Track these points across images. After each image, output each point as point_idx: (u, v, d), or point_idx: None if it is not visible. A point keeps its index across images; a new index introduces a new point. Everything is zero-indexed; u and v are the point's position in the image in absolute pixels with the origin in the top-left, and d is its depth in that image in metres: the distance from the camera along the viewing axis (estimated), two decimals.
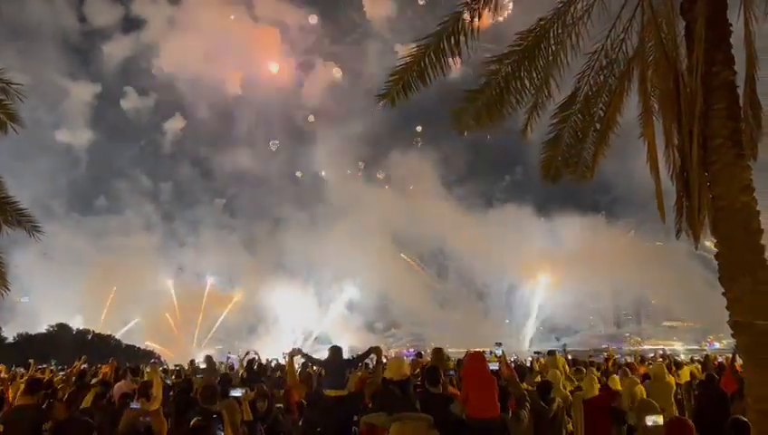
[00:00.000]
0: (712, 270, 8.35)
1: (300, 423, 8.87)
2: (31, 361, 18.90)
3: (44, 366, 19.19)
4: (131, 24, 62.68)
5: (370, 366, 9.85)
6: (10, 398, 9.48)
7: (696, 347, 36.73)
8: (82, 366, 14.76)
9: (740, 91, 8.17)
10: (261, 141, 64.33)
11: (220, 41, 63.60)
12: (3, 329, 51.23)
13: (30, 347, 40.43)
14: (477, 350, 8.45)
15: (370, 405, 7.51)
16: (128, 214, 61.36)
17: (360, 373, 8.95)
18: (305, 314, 55.95)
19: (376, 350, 9.32)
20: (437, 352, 9.60)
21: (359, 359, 10.04)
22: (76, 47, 62.67)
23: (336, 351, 9.46)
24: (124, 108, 66.06)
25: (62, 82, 60.42)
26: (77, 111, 61.80)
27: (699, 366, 16.38)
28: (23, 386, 9.76)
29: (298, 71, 64.41)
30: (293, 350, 10.04)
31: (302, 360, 9.44)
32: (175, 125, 66.00)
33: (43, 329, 51.43)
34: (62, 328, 52.45)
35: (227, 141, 63.64)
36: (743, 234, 7.88)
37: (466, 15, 8.98)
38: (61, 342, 46.18)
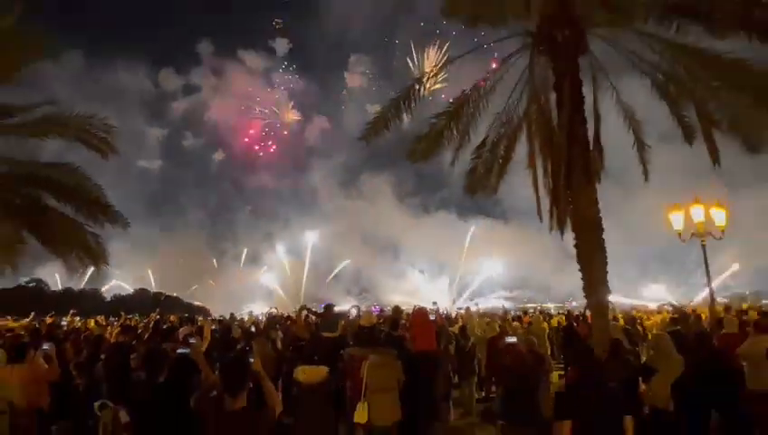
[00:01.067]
0: (571, 254, 8.72)
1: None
2: (122, 313, 19.28)
3: (131, 316, 19.49)
4: (190, 88, 65.69)
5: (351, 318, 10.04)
6: (109, 338, 9.73)
7: (561, 305, 37.46)
8: (156, 317, 15.15)
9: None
10: (276, 168, 66.22)
11: (248, 100, 66.27)
12: (102, 291, 51.60)
13: (121, 304, 40.51)
14: (421, 306, 8.70)
15: (351, 342, 7.70)
16: (186, 215, 63.06)
17: (344, 322, 9.18)
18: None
19: (356, 308, 9.70)
20: (396, 308, 9.88)
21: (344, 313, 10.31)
22: (152, 103, 64.89)
23: (329, 306, 9.88)
24: (184, 145, 68.01)
25: (142, 127, 62.63)
26: (152, 147, 64.46)
27: (563, 317, 16.51)
28: (117, 329, 9.94)
29: (301, 120, 67.02)
30: (301, 306, 10.32)
31: (305, 312, 9.64)
32: (218, 156, 67.92)
33: (129, 292, 51.85)
34: (143, 291, 53.29)
35: (253, 168, 66.52)
36: (589, 231, 8.30)
37: (416, 87, 9.27)
38: (142, 300, 46.65)
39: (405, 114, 9.23)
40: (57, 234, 10.28)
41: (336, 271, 59.19)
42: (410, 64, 63.44)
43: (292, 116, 69.13)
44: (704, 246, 11.96)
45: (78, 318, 18.80)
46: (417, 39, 63.10)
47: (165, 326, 11.12)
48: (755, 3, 7.17)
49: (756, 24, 7.23)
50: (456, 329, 10.44)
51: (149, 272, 58.19)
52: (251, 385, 3.15)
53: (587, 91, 8.51)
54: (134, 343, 8.49)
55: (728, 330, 8.57)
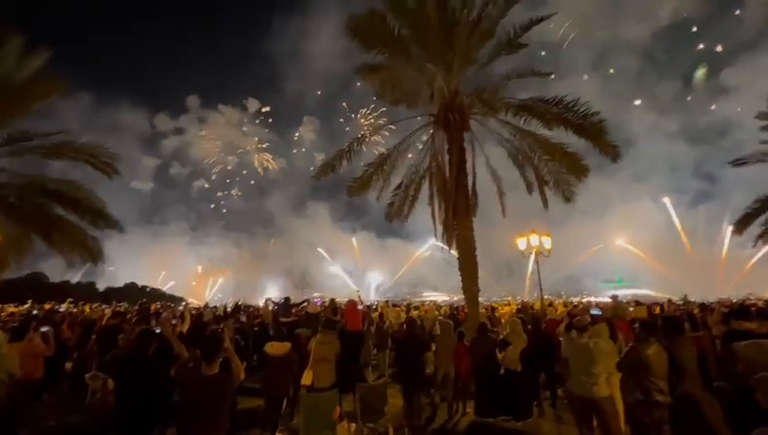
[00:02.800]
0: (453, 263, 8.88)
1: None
2: (114, 301, 17.26)
3: (121, 304, 17.46)
4: (178, 130, 61.60)
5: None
6: (102, 322, 8.71)
7: (448, 298, 38.01)
8: (143, 305, 13.75)
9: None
10: (240, 194, 63.75)
11: (222, 141, 63.19)
12: (96, 283, 45.59)
13: (112, 294, 36.04)
14: (352, 298, 8.51)
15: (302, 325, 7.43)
16: (171, 226, 57.99)
17: (295, 310, 8.80)
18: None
19: (307, 301, 9.41)
20: (332, 300, 9.64)
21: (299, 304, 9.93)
22: (148, 138, 59.88)
23: (287, 299, 9.50)
24: (172, 173, 63.02)
25: (138, 156, 57.14)
26: (145, 173, 58.50)
27: (449, 307, 16.05)
28: (108, 314, 9.00)
29: (271, 164, 65.26)
30: (267, 299, 9.79)
31: (270, 303, 9.13)
32: (199, 184, 63.73)
33: (120, 284, 46.30)
34: (132, 284, 47.64)
35: (226, 192, 62.88)
36: (467, 248, 8.60)
37: (354, 144, 9.25)
38: (130, 292, 41.75)
39: (345, 161, 9.23)
40: (62, 236, 9.15)
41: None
42: (350, 125, 63.27)
43: (264, 159, 66.41)
44: (537, 262, 12.87)
45: (73, 305, 16.60)
46: (355, 107, 63.30)
47: (152, 311, 10.09)
48: (569, 109, 8.01)
49: (569, 123, 8.11)
50: (375, 315, 10.40)
51: (138, 269, 52.70)
52: (221, 357, 3.01)
53: (468, 155, 8.94)
54: (122, 325, 7.67)
55: (551, 316, 9.22)
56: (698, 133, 46.72)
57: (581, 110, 7.88)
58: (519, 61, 9.30)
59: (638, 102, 51.07)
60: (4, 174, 8.80)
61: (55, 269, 40.94)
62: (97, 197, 9.55)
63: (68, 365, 6.94)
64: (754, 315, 4.93)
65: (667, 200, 45.62)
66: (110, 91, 56.54)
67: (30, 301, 16.35)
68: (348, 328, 7.11)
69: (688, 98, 49.62)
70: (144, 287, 47.45)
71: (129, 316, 9.23)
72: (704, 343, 5.18)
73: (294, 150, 66.47)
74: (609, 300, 10.40)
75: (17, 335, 5.39)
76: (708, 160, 44.83)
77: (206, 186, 65.09)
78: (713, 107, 45.34)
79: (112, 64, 65.29)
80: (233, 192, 64.52)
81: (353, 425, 4.77)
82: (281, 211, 61.08)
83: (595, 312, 8.40)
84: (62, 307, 15.04)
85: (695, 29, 46.84)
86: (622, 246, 46.24)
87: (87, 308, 14.96)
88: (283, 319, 7.83)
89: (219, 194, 64.66)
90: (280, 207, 61.51)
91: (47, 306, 14.02)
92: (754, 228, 12.16)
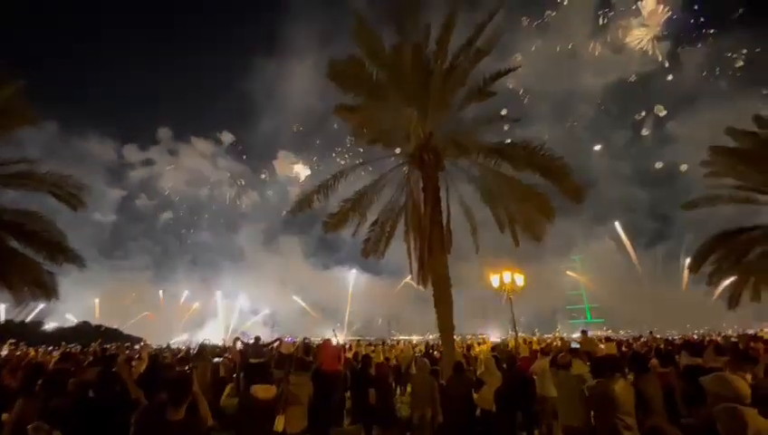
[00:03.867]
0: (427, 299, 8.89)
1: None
2: (63, 343, 15.98)
3: (71, 346, 16.07)
4: (147, 162, 60.29)
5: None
6: (48, 366, 7.97)
7: (422, 336, 37.07)
8: (98, 347, 12.71)
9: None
10: (209, 227, 61.81)
11: (193, 173, 61.24)
12: (45, 323, 41.79)
13: (62, 335, 33.10)
14: (328, 338, 8.23)
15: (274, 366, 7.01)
16: (133, 261, 55.12)
17: (267, 350, 8.37)
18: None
19: (279, 341, 9.03)
20: (304, 340, 9.33)
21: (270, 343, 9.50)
22: (114, 170, 58.40)
23: (257, 338, 9.12)
24: (138, 205, 61.00)
25: (102, 188, 55.17)
26: (108, 205, 56.21)
27: (423, 346, 15.96)
28: (56, 358, 8.33)
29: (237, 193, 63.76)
30: (235, 338, 9.34)
31: (239, 343, 8.70)
32: (166, 215, 61.78)
33: (72, 323, 42.68)
34: (85, 323, 43.96)
35: (195, 225, 61.09)
36: (442, 285, 8.64)
37: (330, 181, 9.33)
38: (83, 332, 38.50)
39: (322, 197, 9.27)
40: (15, 271, 8.52)
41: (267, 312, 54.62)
42: (324, 162, 63.80)
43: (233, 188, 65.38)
44: (510, 298, 13.08)
45: (15, 347, 15.08)
46: (330, 144, 64.35)
47: (107, 353, 9.35)
48: (535, 153, 8.53)
49: (536, 166, 8.60)
50: (350, 355, 10.03)
51: (96, 305, 49.05)
52: (189, 401, 2.83)
53: (443, 193, 9.15)
54: (73, 369, 7.04)
55: (524, 354, 9.26)
56: (650, 177, 50.55)
57: (546, 154, 8.41)
58: (488, 106, 9.91)
59: (597, 148, 54.96)
60: None
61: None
62: (57, 229, 9.08)
63: (5, 416, 6.26)
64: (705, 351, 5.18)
65: (627, 243, 48.18)
66: (78, 121, 54.95)
67: None
68: (323, 368, 6.79)
69: (638, 145, 53.96)
70: (99, 327, 44.02)
71: (82, 359, 8.53)
72: (670, 378, 5.38)
73: (269, 190, 66.05)
74: (580, 335, 10.61)
75: None
76: (661, 203, 48.22)
77: (172, 218, 63.04)
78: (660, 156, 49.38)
79: (82, 93, 64.25)
80: (202, 224, 62.60)
81: None
82: (251, 246, 59.63)
83: (574, 345, 8.59)
84: (3, 350, 13.66)
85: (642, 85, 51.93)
86: (588, 284, 47.82)
87: (32, 351, 13.66)
88: (253, 360, 7.42)
89: (183, 231, 62.51)
90: (250, 241, 60.11)
91: None
92: (708, 267, 12.95)
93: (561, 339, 20.74)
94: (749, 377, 3.78)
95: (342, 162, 59.79)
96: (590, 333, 13.29)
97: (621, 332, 35.97)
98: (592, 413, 3.81)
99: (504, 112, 9.38)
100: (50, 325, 42.21)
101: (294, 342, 10.19)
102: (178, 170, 63.14)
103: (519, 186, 9.03)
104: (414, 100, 9.16)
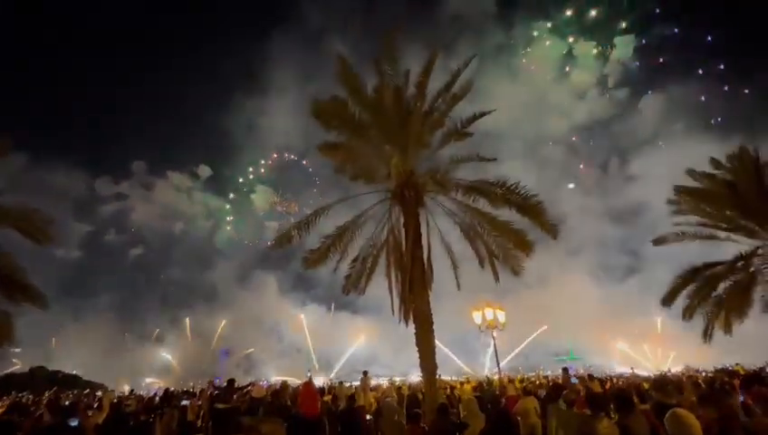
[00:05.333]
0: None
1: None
2: (13, 392, 14.74)
3: (22, 395, 14.71)
4: (119, 196, 58.67)
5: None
6: None
7: (404, 377, 34.53)
8: (51, 396, 11.67)
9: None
10: (181, 264, 59.49)
11: (168, 208, 59.72)
12: None
13: (11, 382, 30.28)
14: (308, 380, 7.82)
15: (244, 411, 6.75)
16: (99, 299, 51.98)
17: (237, 395, 7.83)
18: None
19: (252, 384, 8.53)
20: (284, 382, 8.89)
21: (242, 388, 8.94)
22: (82, 204, 55.98)
23: (231, 381, 8.54)
24: (107, 239, 58.47)
25: (71, 222, 52.66)
26: (73, 240, 53.39)
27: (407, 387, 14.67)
28: (3, 409, 7.65)
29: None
30: (209, 382, 8.75)
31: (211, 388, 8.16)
32: (136, 251, 59.23)
33: (25, 369, 39.17)
34: (40, 369, 40.32)
35: (167, 261, 58.65)
36: (424, 322, 8.56)
37: (312, 217, 9.28)
38: (37, 378, 35.35)
39: (303, 233, 9.23)
40: None
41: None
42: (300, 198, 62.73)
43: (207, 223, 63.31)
44: (494, 337, 12.93)
45: None
46: (310, 181, 63.75)
47: (67, 403, 8.59)
48: (511, 191, 8.82)
49: (513, 203, 8.87)
50: (329, 398, 9.46)
51: (53, 348, 45.28)
52: None
53: (423, 229, 9.19)
54: (22, 421, 6.40)
55: (510, 393, 9.02)
56: (619, 214, 52.72)
57: (522, 192, 8.72)
58: (466, 146, 10.27)
59: (571, 186, 57.43)
60: None
61: None
62: (17, 265, 8.56)
63: None
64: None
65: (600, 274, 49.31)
66: (46, 152, 52.70)
67: None
68: (303, 413, 6.49)
69: (605, 183, 56.71)
70: (56, 372, 40.42)
71: (33, 410, 7.79)
72: (652, 417, 5.33)
73: (245, 225, 64.55)
74: (562, 375, 10.47)
75: None
76: (631, 238, 50.00)
77: (142, 253, 60.27)
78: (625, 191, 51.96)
79: (51, 125, 62.26)
80: (174, 261, 59.93)
81: None
82: (225, 282, 57.30)
83: (574, 380, 8.45)
84: None
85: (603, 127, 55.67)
86: (567, 319, 48.07)
87: None
88: (220, 405, 6.99)
89: (154, 268, 59.47)
90: (224, 278, 57.81)
91: None
92: (682, 300, 13.29)
93: (539, 377, 20.42)
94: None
95: (321, 198, 59.65)
96: (571, 371, 13.16)
97: (606, 370, 35.72)
98: None
99: (480, 152, 9.71)
100: None
101: (269, 386, 9.63)
102: (152, 205, 61.12)
103: (497, 222, 9.24)
104: (395, 139, 9.48)
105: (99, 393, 12.99)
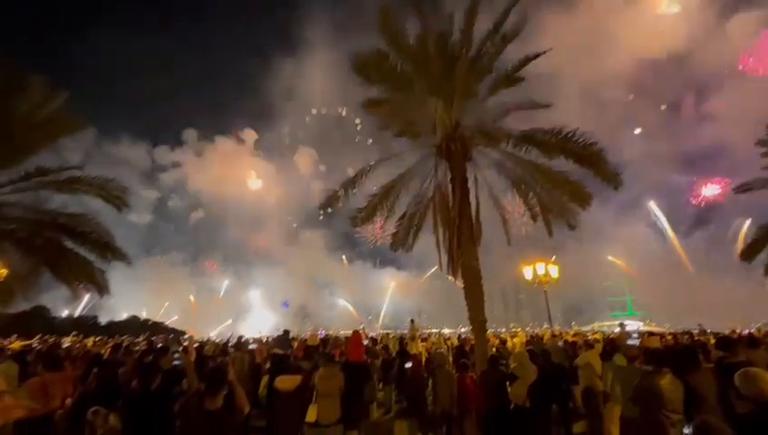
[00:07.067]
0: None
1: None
2: (117, 335, 17.17)
3: (123, 338, 17.22)
4: (176, 163, 62.55)
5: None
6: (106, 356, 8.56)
7: (454, 331, 35.12)
8: (147, 339, 13.52)
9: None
10: (237, 225, 63.08)
11: (219, 173, 63.41)
12: (98, 317, 45.12)
13: (114, 328, 35.55)
14: (357, 330, 8.29)
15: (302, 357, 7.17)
16: (169, 257, 57.95)
17: (297, 343, 8.55)
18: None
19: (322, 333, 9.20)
20: (331, 333, 9.47)
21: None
22: (149, 173, 61.09)
23: (286, 332, 9.34)
24: (170, 206, 63.81)
25: (139, 190, 57.88)
26: (144, 206, 58.95)
27: (456, 339, 15.15)
28: (110, 349, 8.89)
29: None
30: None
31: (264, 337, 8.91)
32: (196, 215, 64.10)
33: (122, 317, 45.79)
34: (134, 318, 47.13)
35: (224, 223, 62.73)
36: (473, 278, 8.44)
37: (359, 176, 9.26)
38: (132, 325, 41.27)
39: (351, 191, 9.28)
40: (71, 269, 9.22)
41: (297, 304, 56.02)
42: (346, 156, 62.95)
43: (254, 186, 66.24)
44: (545, 291, 12.69)
45: (78, 338, 16.40)
46: (351, 138, 63.43)
47: (159, 346, 9.92)
48: (569, 139, 8.15)
49: (570, 152, 8.23)
50: (380, 347, 10.11)
51: (142, 301, 52.26)
52: (226, 390, 2.93)
53: (471, 184, 8.91)
54: (124, 359, 7.47)
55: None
56: (690, 159, 46.73)
57: (580, 139, 8.02)
58: (516, 93, 9.51)
59: (637, 131, 51.69)
60: (17, 209, 9.00)
61: (56, 302, 40.78)
62: (105, 230, 9.68)
63: (68, 401, 6.78)
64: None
65: (668, 229, 45.17)
66: (111, 127, 57.37)
67: (39, 335, 16.24)
68: (350, 358, 6.82)
69: (675, 125, 49.97)
70: (146, 321, 46.88)
71: (134, 348, 9.11)
72: (717, 374, 5.00)
73: (292, 185, 66.62)
74: (618, 329, 10.12)
75: (52, 365, 5.48)
76: (701, 186, 44.69)
77: (203, 217, 65.20)
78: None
79: (113, 100, 67.27)
80: (230, 222, 64.24)
81: None
82: (277, 242, 60.89)
83: (632, 336, 8.14)
84: (66, 341, 14.84)
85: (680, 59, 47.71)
86: (625, 273, 45.41)
87: (90, 342, 14.74)
88: (278, 351, 7.65)
89: (213, 229, 64.20)
90: (276, 237, 61.34)
91: (51, 340, 13.83)
92: (765, 255, 11.93)
93: (595, 332, 19.83)
94: None
95: (365, 157, 59.34)
96: (628, 327, 12.65)
97: (667, 325, 33.67)
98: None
99: (532, 98, 8.95)
100: (103, 319, 45.49)
101: (325, 335, 10.31)
102: (205, 170, 65.07)
103: (552, 174, 8.68)
104: (439, 90, 8.97)
105: (187, 335, 14.85)
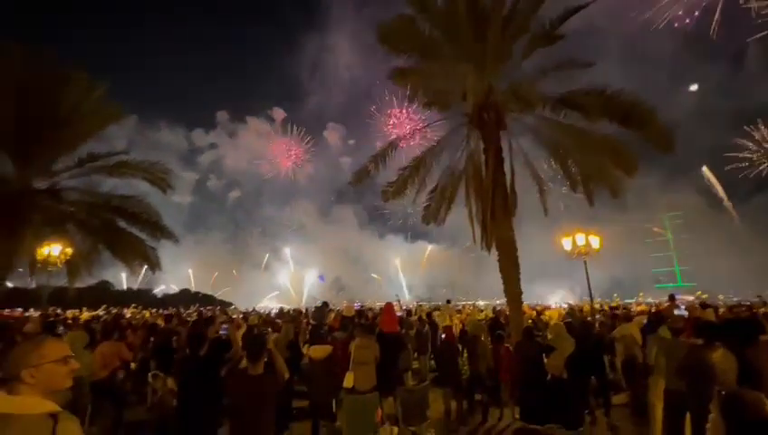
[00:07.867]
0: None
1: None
2: (171, 307, 18.55)
3: (175, 309, 18.68)
4: (212, 145, 64.40)
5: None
6: (160, 326, 9.29)
7: (489, 302, 34.59)
8: (197, 310, 14.54)
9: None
10: (271, 201, 64.34)
11: (252, 152, 64.31)
12: (154, 290, 49.31)
13: (169, 300, 38.75)
14: (390, 301, 8.43)
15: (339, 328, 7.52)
16: (211, 235, 60.97)
17: (333, 314, 8.86)
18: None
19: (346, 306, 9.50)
20: (365, 305, 9.69)
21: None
22: (187, 156, 63.60)
23: (324, 303, 9.65)
24: (209, 186, 66.16)
25: (180, 172, 60.35)
26: (185, 187, 61.60)
27: (490, 311, 15.08)
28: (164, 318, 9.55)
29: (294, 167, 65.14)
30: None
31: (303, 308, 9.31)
32: (234, 194, 66.13)
33: (175, 291, 49.63)
34: (185, 290, 51.00)
35: (259, 202, 64.31)
36: (508, 249, 8.29)
37: (387, 150, 9.20)
38: (184, 297, 44.64)
39: (380, 166, 9.20)
40: (126, 247, 9.99)
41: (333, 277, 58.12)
42: (374, 130, 62.32)
43: (289, 163, 67.42)
44: (585, 262, 12.14)
45: (137, 310, 18.03)
46: (380, 114, 62.49)
47: (208, 316, 10.62)
48: (612, 99, 7.54)
49: (613, 114, 7.63)
50: (415, 319, 10.25)
51: (190, 275, 56.09)
52: (266, 358, 3.11)
53: (505, 154, 8.57)
54: (177, 328, 8.13)
55: (602, 320, 8.69)
56: (749, 119, 41.49)
57: (626, 99, 7.39)
58: (553, 52, 8.83)
59: (694, 87, 46.69)
60: (74, 193, 9.76)
61: (115, 278, 44.67)
62: (154, 210, 10.31)
63: (133, 365, 7.52)
64: None
65: (722, 194, 41.36)
66: (149, 113, 59.77)
67: (104, 306, 18.05)
68: (384, 330, 6.89)
69: (735, 82, 44.33)
70: (196, 293, 50.52)
71: (186, 318, 9.79)
72: None
73: (321, 162, 67.05)
74: (667, 302, 9.58)
75: (107, 335, 6.13)
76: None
77: (240, 196, 67.62)
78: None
79: (150, 87, 69.79)
80: (265, 199, 66.17)
81: (395, 428, 4.74)
82: (310, 217, 62.42)
83: (680, 309, 7.77)
84: (127, 312, 16.35)
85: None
86: (669, 243, 42.56)
87: (147, 313, 16.14)
88: (312, 321, 7.98)
89: (250, 207, 66.46)
90: (308, 212, 62.80)
91: (114, 311, 15.31)
92: None
93: (646, 305, 19.03)
94: None
95: (397, 124, 58.02)
96: (678, 299, 11.96)
97: (721, 296, 31.45)
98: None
99: (572, 56, 8.29)
100: (158, 291, 49.58)
101: (361, 307, 10.58)
102: (239, 150, 66.88)
103: (594, 139, 8.12)
104: (470, 54, 8.49)
105: (232, 307, 15.91)
